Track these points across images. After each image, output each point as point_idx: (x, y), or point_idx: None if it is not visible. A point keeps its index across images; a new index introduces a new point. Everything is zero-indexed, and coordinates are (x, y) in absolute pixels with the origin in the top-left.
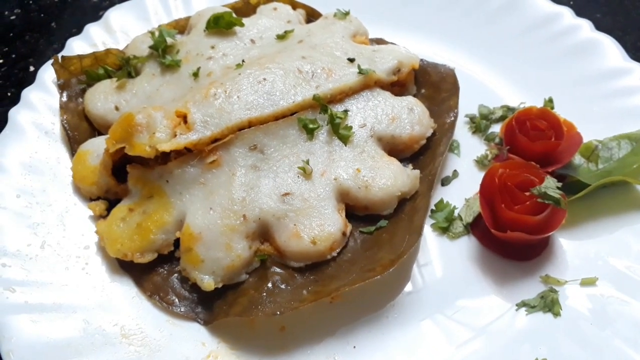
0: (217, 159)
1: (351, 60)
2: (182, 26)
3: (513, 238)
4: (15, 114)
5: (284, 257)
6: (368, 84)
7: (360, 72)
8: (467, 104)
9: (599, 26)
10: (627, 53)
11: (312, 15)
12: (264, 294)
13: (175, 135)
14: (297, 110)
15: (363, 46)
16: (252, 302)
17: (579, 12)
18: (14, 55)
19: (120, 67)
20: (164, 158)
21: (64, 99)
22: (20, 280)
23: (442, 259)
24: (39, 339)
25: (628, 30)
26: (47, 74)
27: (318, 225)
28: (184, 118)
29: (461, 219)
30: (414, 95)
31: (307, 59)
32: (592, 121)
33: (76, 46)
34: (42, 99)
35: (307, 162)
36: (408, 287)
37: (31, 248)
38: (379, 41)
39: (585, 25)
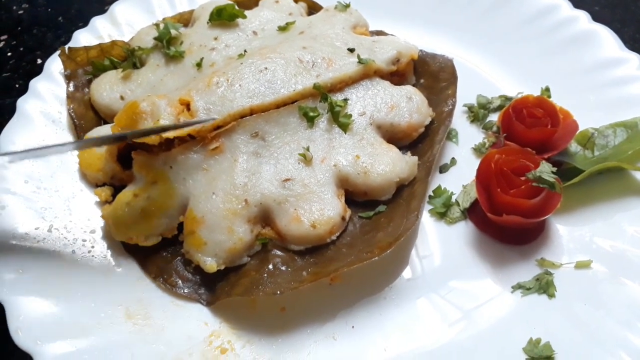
0: (220, 146)
1: (351, 50)
2: (185, 19)
3: (509, 221)
4: (24, 103)
5: (284, 241)
6: (368, 73)
7: (360, 61)
8: (466, 94)
9: (598, 18)
10: (626, 45)
11: (313, 8)
12: (265, 275)
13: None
14: (298, 99)
15: (363, 37)
16: (253, 283)
17: (578, 5)
18: (22, 48)
19: (125, 58)
20: (167, 145)
21: (71, 89)
22: (28, 262)
23: (440, 244)
24: (46, 318)
25: (626, 23)
26: (54, 64)
27: (318, 210)
28: (187, 106)
29: (458, 205)
30: (413, 85)
31: (307, 49)
32: (589, 110)
33: (82, 38)
34: (49, 89)
35: (308, 149)
36: (406, 271)
37: (39, 231)
38: (379, 33)
39: (582, 17)
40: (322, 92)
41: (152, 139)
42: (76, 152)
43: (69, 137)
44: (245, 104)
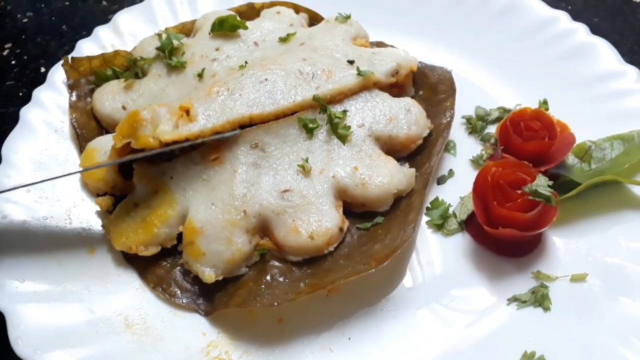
0: (220, 157)
1: (351, 62)
2: (188, 29)
3: (505, 234)
4: (27, 112)
5: (282, 252)
6: (367, 85)
7: (359, 73)
8: (465, 106)
9: (597, 30)
10: (624, 57)
11: (314, 19)
12: (263, 286)
13: (178, 128)
14: (297, 110)
15: (363, 49)
16: (251, 294)
17: (577, 17)
18: (25, 57)
19: (127, 68)
20: (168, 155)
21: (74, 98)
22: (29, 271)
23: (437, 256)
24: (46, 327)
25: (625, 35)
26: (57, 74)
27: (316, 221)
28: (187, 112)
29: (455, 217)
30: (412, 97)
31: (308, 61)
32: (587, 122)
33: (86, 48)
34: (52, 99)
35: (307, 160)
36: (402, 282)
37: (40, 240)
38: (379, 44)
39: (581, 29)
40: (321, 104)
41: (151, 143)
42: (78, 162)
43: (71, 147)
44: (245, 112)
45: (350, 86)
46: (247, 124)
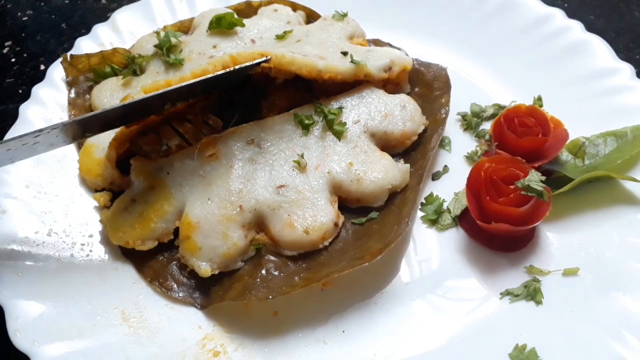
0: (216, 152)
1: (344, 53)
2: (186, 27)
3: (497, 229)
4: (26, 109)
5: (278, 246)
6: (358, 75)
7: (352, 61)
8: (460, 103)
9: (593, 28)
10: (619, 54)
11: (311, 17)
12: (258, 280)
13: None
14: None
15: (358, 46)
16: (246, 288)
17: (573, 14)
18: (25, 54)
19: (126, 65)
20: (165, 152)
21: (72, 95)
22: (27, 265)
23: (431, 250)
24: (44, 320)
25: (621, 32)
26: (56, 71)
27: (311, 216)
28: None
29: (450, 212)
30: (408, 93)
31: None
32: (581, 119)
33: (84, 45)
34: (51, 96)
35: (302, 156)
36: (397, 277)
37: (38, 235)
38: (376, 42)
39: (576, 27)
40: (315, 102)
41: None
42: (76, 158)
43: None
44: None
45: (342, 71)
46: (230, 66)
